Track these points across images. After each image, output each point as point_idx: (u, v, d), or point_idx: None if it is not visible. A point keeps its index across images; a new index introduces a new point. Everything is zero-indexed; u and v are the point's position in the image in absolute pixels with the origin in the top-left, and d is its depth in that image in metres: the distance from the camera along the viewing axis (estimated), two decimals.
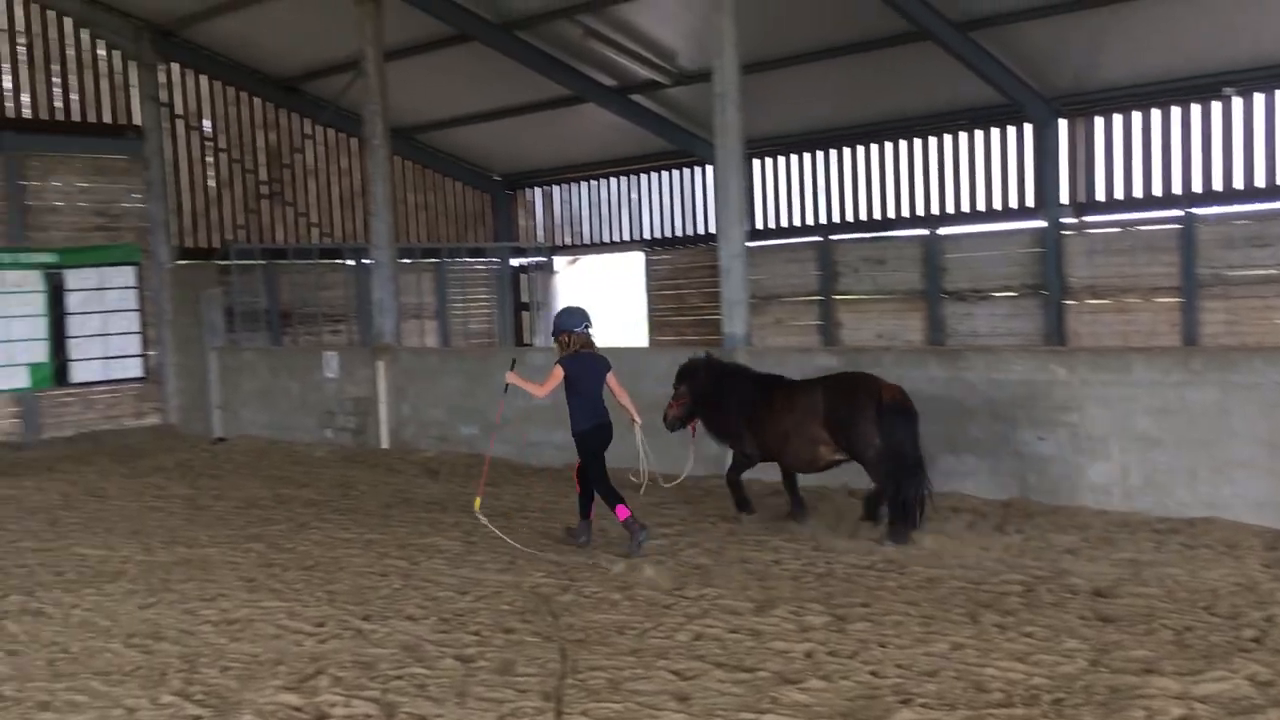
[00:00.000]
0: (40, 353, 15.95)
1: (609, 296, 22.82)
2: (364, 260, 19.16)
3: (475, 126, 19.74)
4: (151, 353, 17.23)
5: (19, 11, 16.05)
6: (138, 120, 17.15)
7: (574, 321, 8.75)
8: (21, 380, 15.65)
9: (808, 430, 8.73)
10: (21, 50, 16.08)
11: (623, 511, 8.40)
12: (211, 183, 18.35)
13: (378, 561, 8.51)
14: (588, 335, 8.76)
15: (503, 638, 6.47)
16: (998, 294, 16.03)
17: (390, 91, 14.61)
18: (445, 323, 20.99)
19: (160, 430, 17.22)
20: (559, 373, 8.55)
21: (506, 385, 8.80)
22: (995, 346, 14.23)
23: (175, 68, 17.69)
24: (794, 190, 18.49)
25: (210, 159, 18.30)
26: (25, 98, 16.12)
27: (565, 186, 21.93)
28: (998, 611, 6.56)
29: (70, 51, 16.59)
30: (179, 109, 17.79)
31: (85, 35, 16.70)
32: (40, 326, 15.89)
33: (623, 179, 20.93)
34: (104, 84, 16.93)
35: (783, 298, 18.36)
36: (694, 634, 6.39)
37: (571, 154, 20.61)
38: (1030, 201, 15.71)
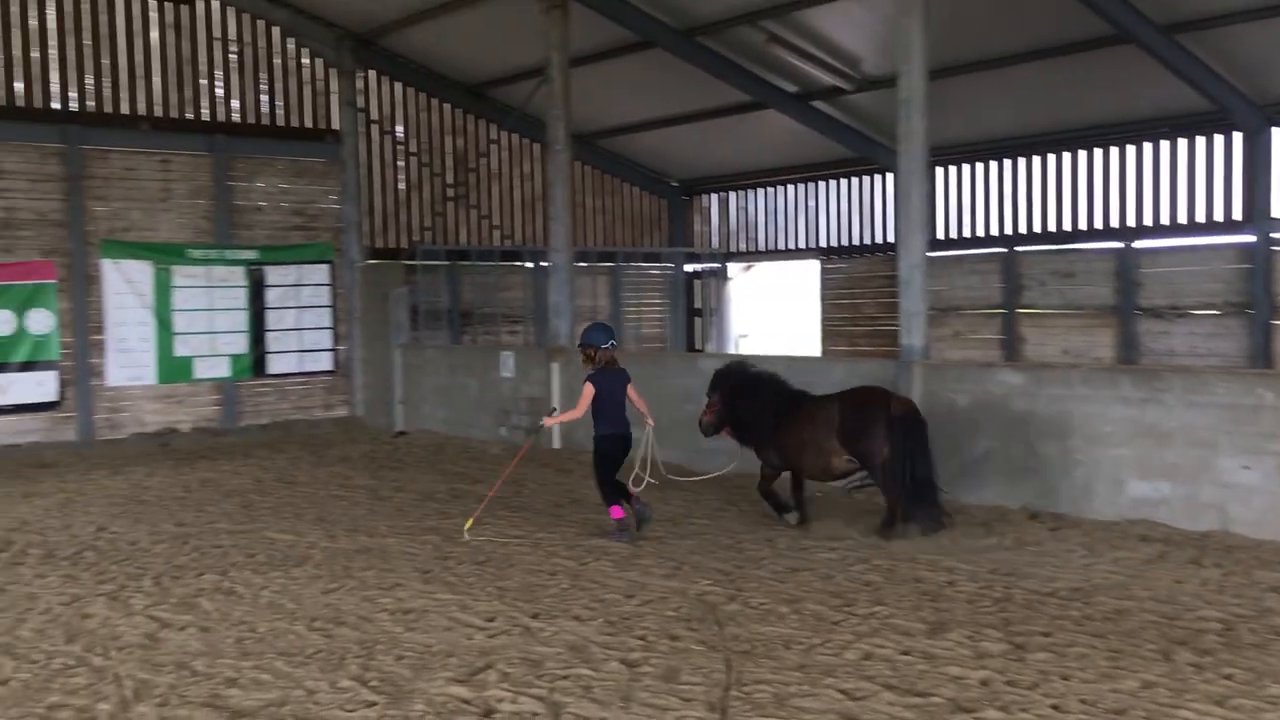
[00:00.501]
0: (241, 344, 16.89)
1: (782, 304, 22.66)
2: (542, 263, 19.58)
3: (653, 132, 19.89)
4: (341, 347, 18.00)
5: (231, 21, 17.01)
6: (336, 125, 17.95)
7: (601, 338, 9.55)
8: (224, 370, 16.60)
9: (823, 441, 9.32)
10: (233, 58, 17.04)
11: (616, 512, 9.30)
12: (402, 185, 19.05)
13: (547, 560, 8.63)
14: (611, 351, 9.58)
15: (668, 644, 6.44)
16: (1198, 312, 15.15)
17: (572, 97, 14.84)
18: (618, 326, 21.20)
19: (346, 422, 17.96)
20: (590, 389, 9.40)
21: (539, 428, 10.03)
22: (1195, 367, 13.45)
23: (371, 75, 18.45)
24: (977, 200, 17.94)
25: (401, 162, 19.01)
26: (235, 103, 17.07)
27: (741, 192, 21.86)
28: (1193, 650, 6.16)
29: (277, 60, 17.49)
30: (374, 114, 18.54)
31: (291, 44, 17.58)
32: (242, 320, 16.82)
33: (800, 186, 20.73)
34: (306, 90, 17.79)
35: (962, 310, 17.83)
36: (863, 653, 6.22)
37: (749, 160, 20.54)
38: (1237, 214, 14.77)
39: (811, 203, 20.56)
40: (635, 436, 9.68)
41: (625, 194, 21.98)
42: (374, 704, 5.56)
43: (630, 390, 9.60)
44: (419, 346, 17.83)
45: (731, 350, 21.74)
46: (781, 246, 21.19)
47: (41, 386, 15.10)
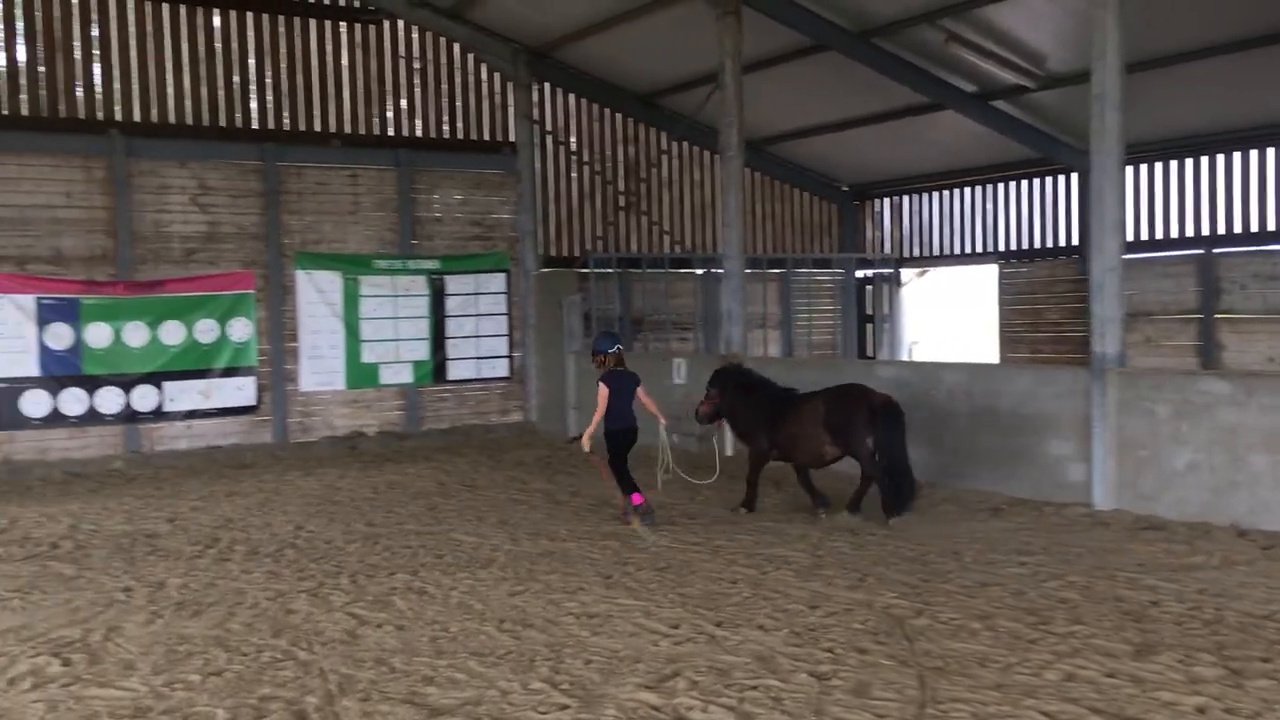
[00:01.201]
0: (423, 351, 17.46)
1: (957, 310, 22.06)
2: (712, 270, 19.61)
3: (824, 136, 19.65)
4: (516, 354, 18.41)
5: (415, 39, 17.65)
6: (512, 137, 18.39)
7: (608, 344, 10.77)
8: (407, 376, 17.20)
9: (813, 432, 10.40)
10: (416, 75, 17.66)
11: (637, 498, 10.26)
12: (575, 195, 19.38)
13: (727, 568, 8.60)
14: (619, 355, 10.71)
15: (856, 657, 6.32)
16: None
17: (744, 104, 14.80)
18: (789, 333, 21.06)
19: (521, 427, 18.35)
20: (604, 389, 10.47)
21: (575, 441, 11.12)
22: None
23: (546, 87, 18.84)
24: (1170, 199, 17.07)
25: (574, 172, 19.34)
26: (418, 119, 17.69)
27: (915, 196, 21.40)
28: None
29: (457, 76, 18.05)
30: (548, 126, 18.92)
31: (470, 60, 18.10)
32: (424, 327, 17.40)
33: (977, 188, 20.16)
34: (485, 104, 18.29)
35: (1154, 315, 16.98)
36: (1064, 674, 5.96)
37: (923, 163, 20.09)
38: None
39: (989, 205, 19.97)
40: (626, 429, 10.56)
41: (795, 199, 21.80)
42: (566, 707, 5.63)
43: (640, 393, 10.66)
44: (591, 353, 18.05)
45: (905, 357, 21.28)
46: (957, 251, 20.64)
47: (241, 391, 15.94)
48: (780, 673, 6.07)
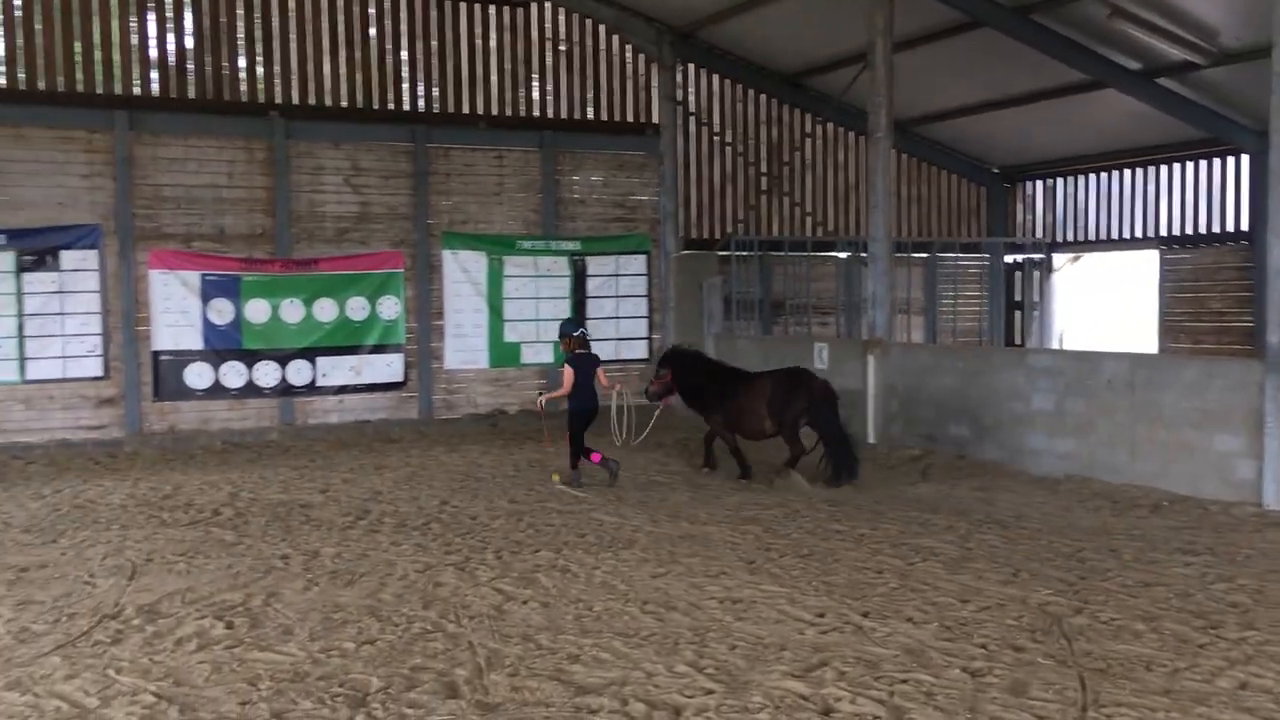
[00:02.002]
0: None
1: (1111, 297, 21.18)
2: (856, 253, 19.26)
3: (975, 117, 19.06)
4: (656, 336, 18.43)
5: (561, 20, 17.77)
6: (655, 119, 18.37)
7: (573, 328, 12.07)
8: (547, 356, 17.37)
9: (758, 408, 11.91)
10: (561, 57, 17.79)
11: (596, 457, 11.61)
12: (717, 177, 19.26)
13: (871, 558, 8.42)
14: (584, 338, 11.99)
15: (1012, 655, 6.10)
16: None
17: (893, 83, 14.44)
18: (933, 319, 20.55)
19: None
20: (569, 370, 11.75)
21: (539, 404, 12.42)
22: None
23: (690, 68, 18.75)
24: None
25: (717, 154, 19.21)
26: (562, 100, 17.82)
27: (1070, 178, 20.60)
28: None
29: (601, 57, 18.11)
30: (691, 107, 18.83)
31: (615, 41, 18.14)
32: (565, 308, 17.56)
33: (1138, 170, 19.28)
34: (628, 86, 18.31)
35: None
36: (1238, 681, 5.65)
37: (1080, 143, 19.29)
38: None
39: (1151, 188, 19.07)
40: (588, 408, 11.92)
41: (942, 182, 21.23)
42: (712, 692, 5.59)
43: (599, 372, 11.95)
44: (731, 336, 17.96)
45: (1055, 345, 20.55)
46: (1115, 236, 19.80)
47: (390, 368, 16.37)
48: (932, 667, 5.91)
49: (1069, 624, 6.65)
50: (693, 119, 18.90)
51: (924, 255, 20.46)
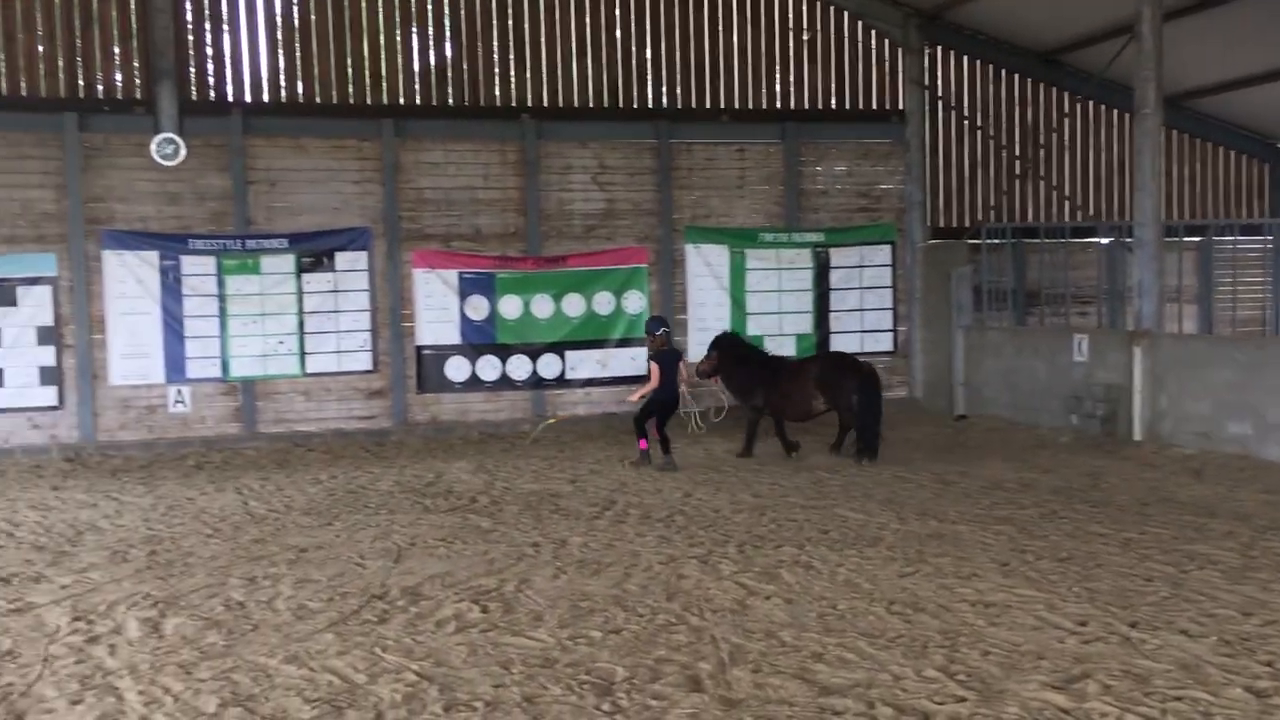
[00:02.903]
0: (806, 324, 17.45)
1: None
2: (1120, 239, 18.10)
3: (1257, 89, 17.52)
4: (901, 328, 17.96)
5: (804, 10, 17.56)
6: (901, 105, 17.88)
7: (655, 327, 13.07)
8: (790, 349, 17.19)
9: (806, 390, 12.95)
10: (804, 46, 17.58)
11: (643, 444, 12.74)
12: (967, 162, 18.56)
13: (1139, 564, 7.89)
14: (667, 336, 13.04)
15: None
16: None
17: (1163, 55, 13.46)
18: (1209, 308, 19.05)
19: (906, 403, 17.86)
20: (655, 367, 12.72)
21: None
22: None
23: (937, 51, 18.13)
24: None
25: (966, 139, 18.51)
26: (804, 90, 17.62)
27: None
28: None
29: (845, 44, 17.78)
30: (939, 91, 18.21)
31: (859, 27, 17.77)
32: (807, 300, 17.37)
33: None
34: (872, 72, 17.91)
35: None
36: None
37: None
38: None
39: None
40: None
41: (1218, 159, 19.67)
42: (963, 699, 5.37)
43: (681, 366, 12.95)
44: (982, 328, 17.26)
45: None
46: None
47: (635, 361, 16.65)
48: (1209, 684, 5.46)
49: None
50: (940, 103, 18.27)
51: (1197, 239, 19.00)
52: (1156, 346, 13.57)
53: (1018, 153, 18.65)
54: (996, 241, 18.00)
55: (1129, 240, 15.56)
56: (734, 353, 13.61)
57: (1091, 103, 18.77)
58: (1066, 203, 18.98)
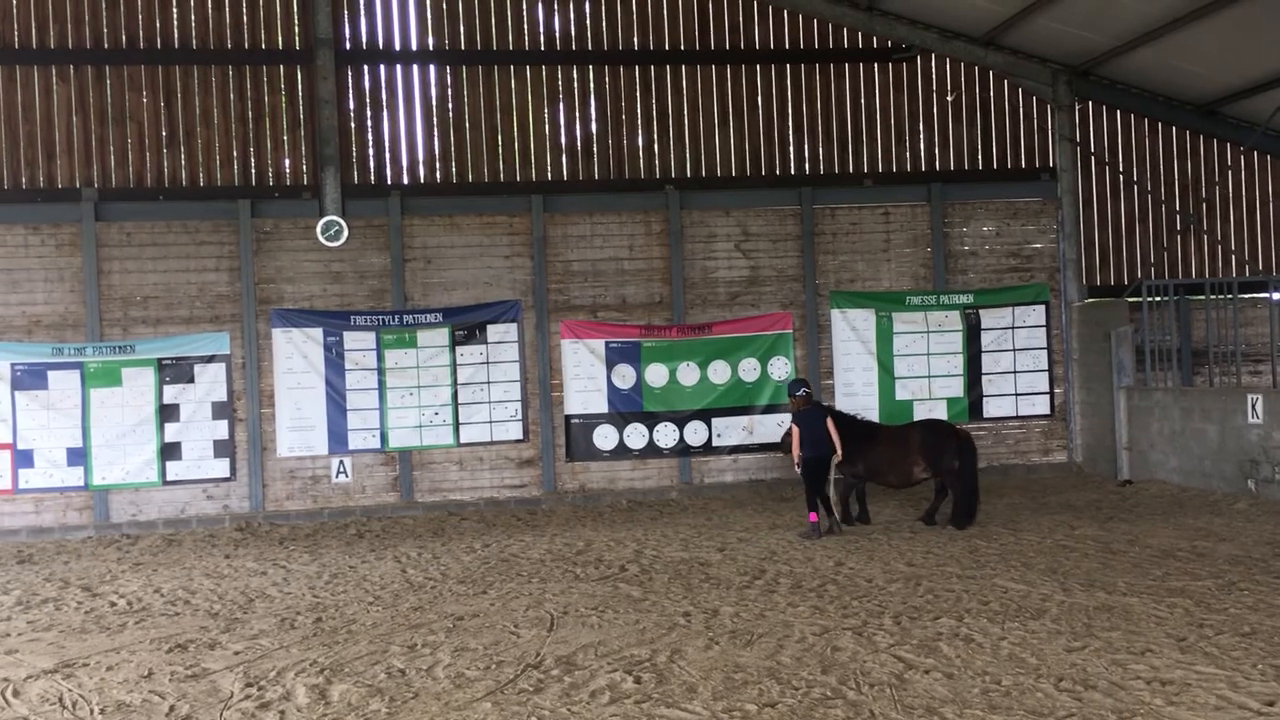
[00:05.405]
0: (957, 388, 17.08)
1: None
2: None
3: None
4: (1058, 390, 17.40)
5: (947, 70, 17.44)
6: (1051, 162, 17.51)
7: (796, 388, 12.95)
8: (941, 413, 16.85)
9: (910, 456, 12.94)
10: (949, 107, 17.43)
11: (813, 517, 12.38)
12: (1123, 218, 18.00)
13: None
14: (808, 396, 12.93)
15: None
16: None
17: None
18: None
19: (1064, 468, 17.27)
20: (795, 429, 12.70)
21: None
22: None
23: (1088, 106, 17.74)
24: None
25: (1122, 194, 17.97)
26: (950, 151, 17.43)
27: None
28: None
29: (991, 103, 17.56)
30: (1091, 147, 17.77)
31: (1005, 85, 17.54)
32: (958, 363, 17.02)
33: None
34: (1019, 130, 17.61)
35: None
36: None
37: None
38: None
39: None
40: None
41: None
42: None
43: (829, 423, 12.66)
44: (1145, 389, 16.57)
45: None
46: None
47: (781, 427, 16.52)
48: None
49: None
50: (1093, 159, 17.81)
51: None
52: None
53: (1177, 207, 18.01)
54: (1158, 299, 17.34)
55: None
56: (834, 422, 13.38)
57: (1256, 153, 18.04)
58: (1232, 257, 18.19)
